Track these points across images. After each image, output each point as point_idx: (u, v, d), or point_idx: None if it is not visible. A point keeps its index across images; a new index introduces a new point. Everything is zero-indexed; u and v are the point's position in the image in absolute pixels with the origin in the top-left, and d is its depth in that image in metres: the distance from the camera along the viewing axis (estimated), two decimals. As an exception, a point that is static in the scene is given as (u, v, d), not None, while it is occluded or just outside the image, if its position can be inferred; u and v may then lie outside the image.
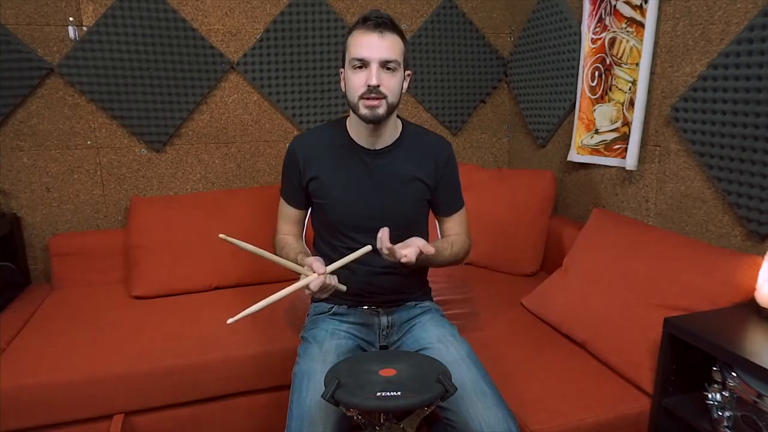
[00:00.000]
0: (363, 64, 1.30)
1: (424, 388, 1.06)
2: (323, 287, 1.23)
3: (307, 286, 1.22)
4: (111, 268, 2.17)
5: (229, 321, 1.12)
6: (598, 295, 1.64)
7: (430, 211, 1.57)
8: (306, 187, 1.47)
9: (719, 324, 1.27)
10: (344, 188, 1.43)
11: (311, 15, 2.33)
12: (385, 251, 1.22)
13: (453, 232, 1.54)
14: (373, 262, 1.44)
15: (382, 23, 1.29)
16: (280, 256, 1.44)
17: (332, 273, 1.26)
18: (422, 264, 1.40)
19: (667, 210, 1.80)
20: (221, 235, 1.12)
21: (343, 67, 1.37)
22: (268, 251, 1.28)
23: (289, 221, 1.54)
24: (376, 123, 1.36)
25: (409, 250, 1.22)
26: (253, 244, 1.26)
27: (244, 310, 1.14)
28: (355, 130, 1.43)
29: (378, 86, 1.29)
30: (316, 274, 1.22)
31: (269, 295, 1.17)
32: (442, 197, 1.52)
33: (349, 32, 1.34)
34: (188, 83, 2.25)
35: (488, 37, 2.60)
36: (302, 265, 1.28)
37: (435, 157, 1.48)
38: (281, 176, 1.53)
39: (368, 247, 1.27)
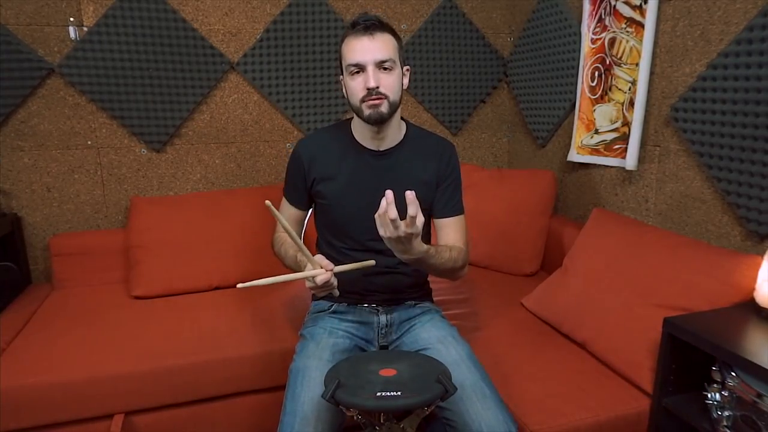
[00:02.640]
0: (359, 68, 1.31)
1: (424, 388, 1.06)
2: (326, 284, 1.24)
3: (313, 278, 1.22)
4: (111, 268, 2.17)
5: (240, 285, 1.15)
6: (598, 295, 1.64)
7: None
8: (310, 189, 1.48)
9: (719, 324, 1.27)
10: (349, 189, 1.44)
11: (311, 15, 2.33)
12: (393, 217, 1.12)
13: (451, 240, 1.47)
14: (376, 262, 1.45)
15: (371, 25, 1.30)
16: (279, 252, 1.48)
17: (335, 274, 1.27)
18: (423, 262, 1.33)
19: (667, 210, 1.80)
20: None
21: (342, 74, 1.38)
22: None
23: (290, 220, 1.54)
24: (380, 123, 1.37)
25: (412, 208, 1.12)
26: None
27: (257, 280, 1.18)
28: (360, 131, 1.44)
29: (377, 87, 1.31)
30: (323, 269, 1.22)
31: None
32: (440, 197, 1.48)
33: (342, 39, 1.36)
34: (188, 83, 2.25)
35: (488, 37, 2.60)
36: (305, 262, 1.30)
37: (438, 159, 1.48)
38: (285, 176, 1.54)
39: (372, 262, 1.30)
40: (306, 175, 1.46)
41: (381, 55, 1.30)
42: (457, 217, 1.48)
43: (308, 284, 1.25)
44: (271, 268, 1.58)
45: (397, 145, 1.46)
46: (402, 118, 1.48)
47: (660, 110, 1.78)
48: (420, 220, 1.12)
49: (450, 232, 1.47)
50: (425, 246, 1.24)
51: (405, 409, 1.07)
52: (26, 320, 1.86)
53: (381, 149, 1.44)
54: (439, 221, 1.49)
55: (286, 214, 1.54)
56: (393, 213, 1.10)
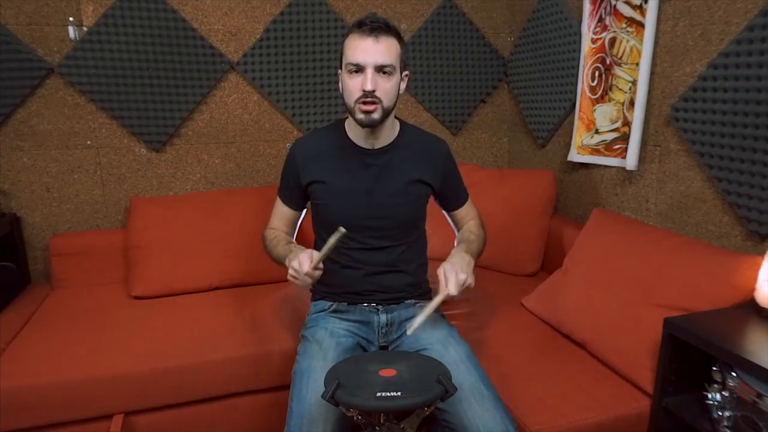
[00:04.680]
0: (358, 68, 1.31)
1: (424, 389, 1.06)
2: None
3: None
4: (111, 268, 2.17)
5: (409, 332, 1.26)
6: (598, 295, 1.64)
7: (439, 207, 1.62)
8: (305, 190, 1.48)
9: (719, 324, 1.27)
10: (345, 188, 1.44)
11: (311, 15, 2.33)
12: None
13: (467, 218, 1.61)
14: (375, 261, 1.46)
15: (377, 27, 1.30)
16: (269, 246, 1.49)
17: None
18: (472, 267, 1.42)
19: (667, 210, 1.80)
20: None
21: (341, 68, 1.38)
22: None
23: (283, 220, 1.56)
24: (371, 127, 1.38)
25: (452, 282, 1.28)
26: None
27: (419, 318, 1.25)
28: (354, 130, 1.45)
29: (373, 91, 1.31)
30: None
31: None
32: (449, 193, 1.57)
33: (346, 35, 1.36)
34: (188, 83, 2.25)
35: (488, 37, 2.60)
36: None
37: (433, 157, 1.51)
38: (280, 176, 1.55)
39: (341, 230, 1.25)
40: (300, 176, 1.47)
41: (382, 60, 1.30)
42: (467, 202, 1.61)
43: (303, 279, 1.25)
44: (271, 268, 1.59)
45: (391, 143, 1.47)
46: (395, 117, 1.49)
47: (660, 110, 1.78)
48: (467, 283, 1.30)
49: (465, 215, 1.61)
50: (469, 259, 1.35)
51: (405, 410, 1.07)
52: (26, 320, 1.85)
53: (376, 147, 1.45)
54: (453, 213, 1.61)
55: (280, 213, 1.56)
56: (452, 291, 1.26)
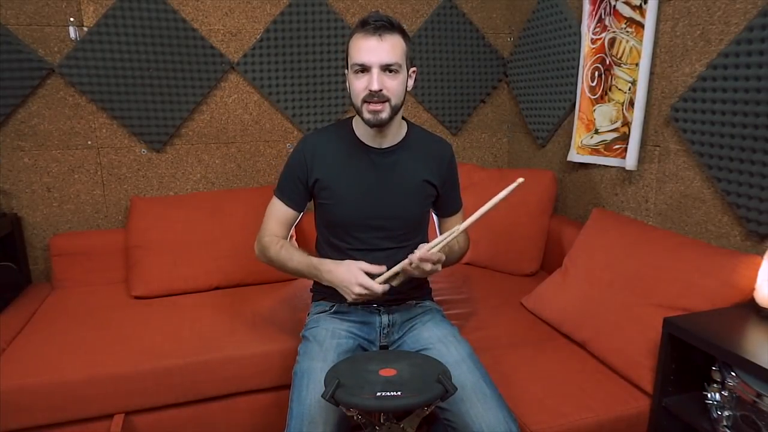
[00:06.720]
0: (364, 68, 1.31)
1: (424, 388, 1.06)
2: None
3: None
4: (111, 268, 2.17)
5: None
6: (598, 295, 1.64)
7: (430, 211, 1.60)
8: (312, 187, 1.47)
9: (719, 324, 1.28)
10: (352, 187, 1.44)
11: (311, 15, 2.33)
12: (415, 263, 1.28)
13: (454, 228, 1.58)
14: (378, 263, 1.45)
15: (381, 26, 1.30)
16: (279, 255, 1.45)
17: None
18: (445, 265, 1.41)
19: (666, 210, 1.80)
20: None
21: (347, 69, 1.38)
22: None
23: (280, 222, 1.49)
24: (379, 126, 1.37)
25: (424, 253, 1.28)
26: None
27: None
28: (362, 129, 1.45)
29: (380, 90, 1.30)
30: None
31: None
32: (446, 198, 1.56)
33: (350, 35, 1.35)
34: (188, 83, 2.25)
35: (488, 37, 2.60)
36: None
37: (439, 159, 1.51)
38: (282, 174, 1.50)
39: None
40: (308, 172, 1.45)
41: (387, 59, 1.30)
42: (459, 212, 1.60)
43: (360, 290, 1.28)
44: (271, 268, 1.58)
45: (399, 143, 1.47)
46: (402, 117, 1.49)
47: (660, 110, 1.78)
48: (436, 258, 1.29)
49: (453, 223, 1.57)
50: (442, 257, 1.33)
51: (405, 409, 1.07)
52: (26, 320, 1.86)
53: (383, 147, 1.45)
54: (443, 219, 1.60)
55: (280, 215, 1.49)
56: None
